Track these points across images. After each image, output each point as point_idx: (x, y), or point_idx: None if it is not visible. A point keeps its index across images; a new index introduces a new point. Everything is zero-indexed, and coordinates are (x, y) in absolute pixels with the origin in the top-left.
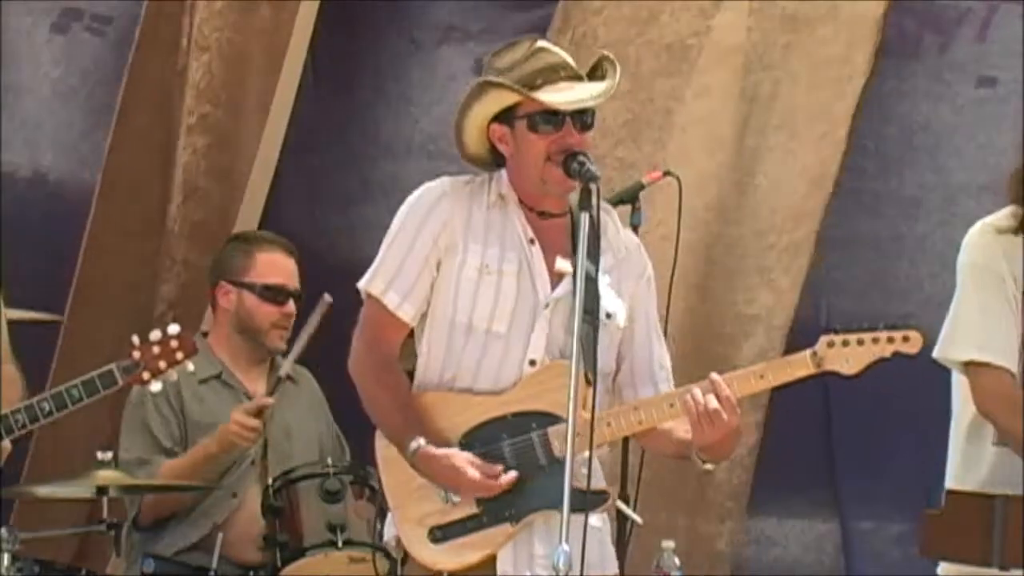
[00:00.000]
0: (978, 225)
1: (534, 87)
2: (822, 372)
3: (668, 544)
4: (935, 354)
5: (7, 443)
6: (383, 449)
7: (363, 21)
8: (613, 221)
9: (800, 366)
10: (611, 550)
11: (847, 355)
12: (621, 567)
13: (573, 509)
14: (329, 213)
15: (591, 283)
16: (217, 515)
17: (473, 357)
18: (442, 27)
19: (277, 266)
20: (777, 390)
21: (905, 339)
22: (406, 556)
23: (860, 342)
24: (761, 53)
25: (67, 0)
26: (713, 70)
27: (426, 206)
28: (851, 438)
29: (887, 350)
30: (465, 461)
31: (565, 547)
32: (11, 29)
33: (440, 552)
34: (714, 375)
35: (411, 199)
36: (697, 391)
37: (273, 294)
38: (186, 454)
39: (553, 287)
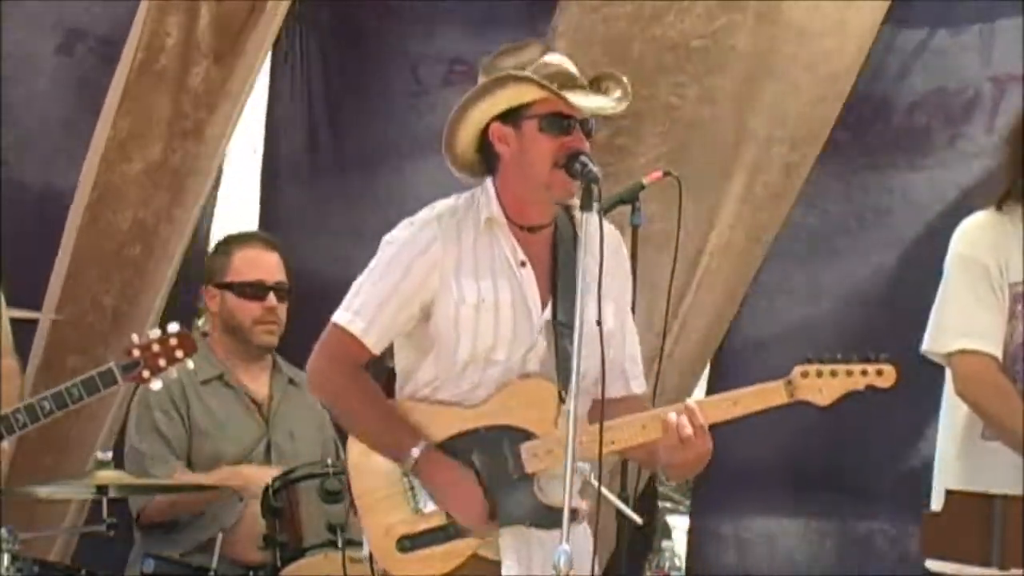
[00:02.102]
0: (967, 219)
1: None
2: (795, 401)
3: (668, 544)
4: (923, 348)
5: (7, 444)
6: (355, 456)
7: (367, 51)
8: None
9: (774, 395)
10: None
11: (821, 386)
12: (620, 567)
13: (543, 525)
14: (326, 249)
15: (571, 294)
16: (225, 519)
17: (470, 381)
18: (446, 61)
19: (254, 262)
20: None
21: (879, 372)
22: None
23: (834, 373)
24: (765, 61)
25: (71, 8)
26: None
27: (416, 250)
28: (849, 437)
29: (860, 383)
30: (475, 485)
31: (565, 547)
32: (15, 48)
33: (407, 561)
34: (689, 402)
35: (401, 239)
36: (673, 416)
37: (252, 290)
38: (191, 495)
39: (544, 307)
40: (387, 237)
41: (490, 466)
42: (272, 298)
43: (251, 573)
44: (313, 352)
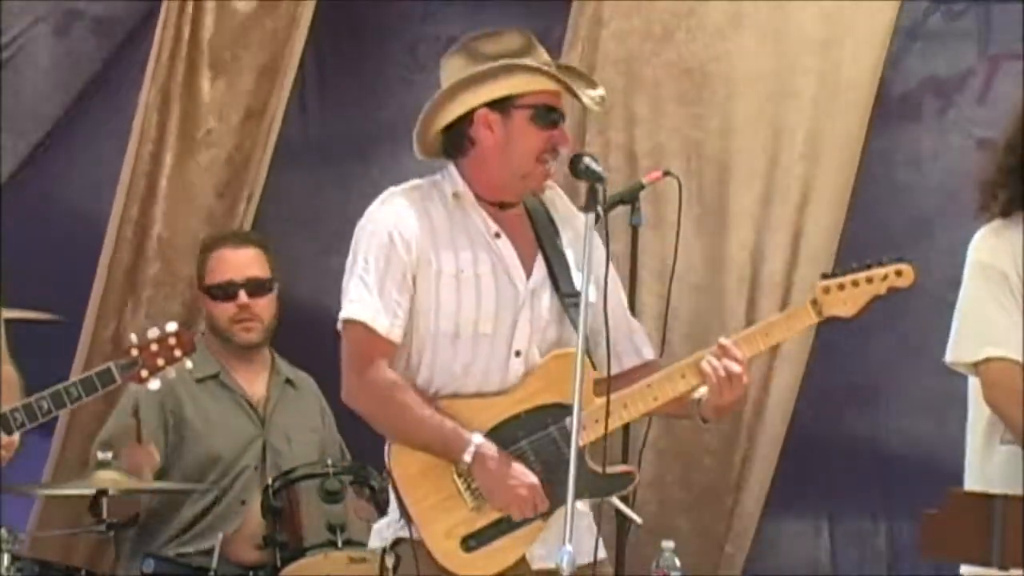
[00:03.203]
0: (982, 228)
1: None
2: (824, 319)
3: (668, 544)
4: (947, 359)
5: (16, 437)
6: (400, 468)
7: (366, 32)
8: (559, 196)
9: (803, 316)
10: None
11: (844, 298)
12: (621, 567)
13: (599, 493)
14: (321, 233)
15: (564, 266)
16: (229, 524)
17: (461, 361)
18: (444, 40)
19: (224, 262)
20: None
21: (898, 273)
22: (397, 563)
23: (855, 283)
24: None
25: (68, 1)
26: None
27: (390, 224)
28: (849, 438)
29: (882, 287)
30: (526, 476)
31: (568, 547)
32: (12, 30)
33: (475, 560)
34: (723, 339)
35: (369, 221)
36: (712, 359)
37: (222, 291)
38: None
39: (528, 276)
40: (359, 224)
41: (540, 450)
42: (243, 295)
43: (251, 573)
44: (344, 366)
